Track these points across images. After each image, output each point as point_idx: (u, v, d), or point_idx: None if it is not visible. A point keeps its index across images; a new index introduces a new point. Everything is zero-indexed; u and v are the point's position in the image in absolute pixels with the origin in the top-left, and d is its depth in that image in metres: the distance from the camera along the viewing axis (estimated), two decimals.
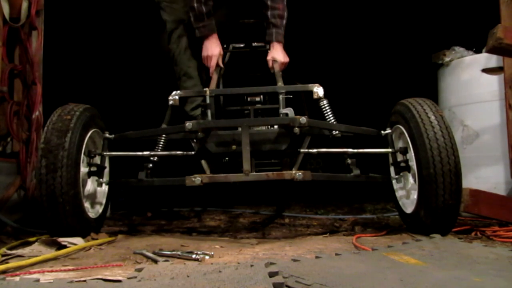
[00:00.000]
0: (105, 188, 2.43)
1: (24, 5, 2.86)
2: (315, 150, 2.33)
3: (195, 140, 2.37)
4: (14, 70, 2.90)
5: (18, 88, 2.97)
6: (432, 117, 2.17)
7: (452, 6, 5.15)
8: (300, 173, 2.05)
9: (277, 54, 2.81)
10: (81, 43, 5.55)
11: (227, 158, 2.41)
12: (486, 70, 3.18)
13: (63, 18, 4.51)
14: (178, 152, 2.40)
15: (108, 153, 2.40)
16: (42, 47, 3.04)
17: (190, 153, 2.38)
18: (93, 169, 2.31)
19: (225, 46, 3.11)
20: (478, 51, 3.31)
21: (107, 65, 5.64)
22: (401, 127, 2.33)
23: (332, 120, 2.48)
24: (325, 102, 2.48)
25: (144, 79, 5.91)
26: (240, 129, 2.16)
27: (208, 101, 2.41)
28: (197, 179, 2.06)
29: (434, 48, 3.58)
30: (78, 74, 5.60)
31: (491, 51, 2.40)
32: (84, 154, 2.21)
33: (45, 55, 3.08)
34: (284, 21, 2.84)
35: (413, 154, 2.21)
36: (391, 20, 5.72)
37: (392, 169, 2.47)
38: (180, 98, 2.47)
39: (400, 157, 2.37)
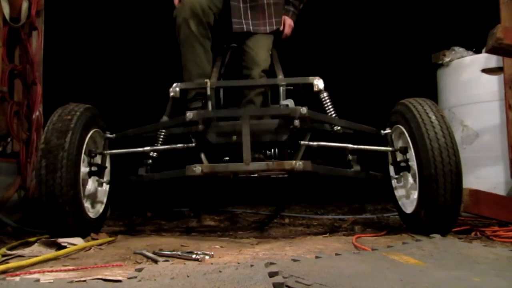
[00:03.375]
0: (105, 188, 2.43)
1: (24, 5, 2.86)
2: (315, 143, 2.32)
3: (195, 136, 2.37)
4: (14, 70, 2.90)
5: (18, 88, 2.97)
6: (433, 117, 2.17)
7: (452, 6, 5.15)
8: (300, 163, 2.04)
9: (288, 19, 3.01)
10: (81, 43, 5.55)
11: (227, 158, 2.41)
12: (486, 71, 3.18)
13: (63, 18, 4.51)
14: (179, 145, 2.39)
15: (108, 151, 2.40)
16: (42, 47, 3.05)
17: (190, 145, 2.38)
18: (94, 169, 2.30)
19: (225, 45, 3.11)
20: (478, 51, 3.31)
21: (107, 65, 5.64)
22: (401, 127, 2.33)
23: (333, 113, 2.47)
24: (325, 94, 2.47)
25: (144, 78, 5.91)
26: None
27: (209, 92, 2.40)
28: (197, 169, 2.05)
29: (434, 48, 3.58)
30: (78, 74, 5.60)
31: (491, 51, 2.40)
32: (84, 154, 2.21)
33: (45, 55, 3.08)
34: (302, 6, 3.08)
35: (413, 154, 2.21)
36: (391, 20, 5.72)
37: (391, 168, 2.46)
38: (181, 90, 2.47)
39: (400, 157, 2.37)
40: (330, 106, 2.47)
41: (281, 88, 2.43)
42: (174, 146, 2.40)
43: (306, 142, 2.32)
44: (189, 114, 2.17)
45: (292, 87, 2.59)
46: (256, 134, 2.21)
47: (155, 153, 2.41)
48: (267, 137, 2.27)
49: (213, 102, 2.39)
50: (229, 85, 2.62)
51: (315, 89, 2.45)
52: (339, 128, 2.44)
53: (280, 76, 2.56)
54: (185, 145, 2.38)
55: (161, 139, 2.46)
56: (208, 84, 2.40)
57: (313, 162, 2.15)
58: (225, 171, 2.13)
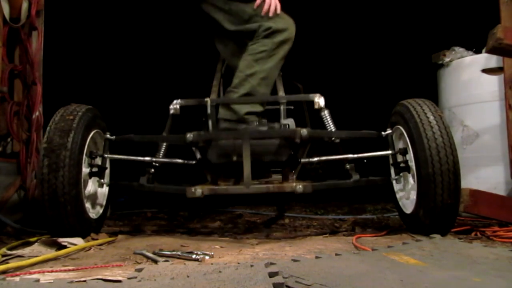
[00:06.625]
0: (105, 188, 2.43)
1: (24, 5, 2.86)
2: (315, 159, 2.33)
3: (197, 149, 2.37)
4: (14, 70, 2.90)
5: (18, 88, 2.98)
6: (431, 117, 2.17)
7: (452, 6, 5.16)
8: (300, 186, 2.08)
9: None
10: (81, 43, 5.55)
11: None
12: (486, 71, 3.18)
13: (63, 18, 4.51)
14: (179, 160, 2.41)
15: (109, 155, 2.40)
16: (42, 47, 3.05)
17: (190, 162, 2.39)
18: (94, 169, 2.31)
19: None
20: (478, 51, 3.31)
21: (107, 65, 5.64)
22: (401, 127, 2.33)
23: (333, 129, 2.47)
24: (326, 112, 2.47)
25: (144, 79, 5.91)
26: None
27: (209, 111, 2.40)
28: (197, 191, 2.07)
29: (434, 48, 3.59)
30: (78, 74, 5.61)
31: (491, 51, 2.40)
32: (85, 154, 2.21)
33: (45, 55, 3.08)
34: None
35: (412, 154, 2.21)
36: (391, 21, 5.73)
37: (392, 169, 2.47)
38: (181, 107, 2.47)
39: (400, 158, 2.37)
40: (330, 123, 2.47)
41: (281, 106, 2.42)
42: (174, 160, 2.42)
43: (306, 160, 2.33)
44: (189, 136, 2.15)
45: (292, 107, 2.59)
46: (257, 154, 2.21)
47: (157, 162, 2.42)
48: (267, 157, 2.28)
49: (213, 120, 2.39)
50: (230, 102, 2.60)
51: (316, 106, 2.45)
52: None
53: (281, 93, 2.55)
54: (186, 161, 2.40)
55: (162, 149, 2.46)
56: (208, 102, 2.39)
57: (313, 170, 2.15)
58: (226, 193, 2.13)
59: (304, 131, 2.12)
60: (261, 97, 2.43)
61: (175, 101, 2.47)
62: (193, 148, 2.41)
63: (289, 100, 2.47)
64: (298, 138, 2.13)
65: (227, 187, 2.11)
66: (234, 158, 2.22)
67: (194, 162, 2.39)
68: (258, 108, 2.40)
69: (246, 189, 2.02)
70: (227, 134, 2.30)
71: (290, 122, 2.34)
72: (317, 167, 2.74)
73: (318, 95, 2.46)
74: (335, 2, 5.46)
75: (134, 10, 5.38)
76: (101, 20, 5.41)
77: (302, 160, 2.32)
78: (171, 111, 2.46)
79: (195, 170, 2.40)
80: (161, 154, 2.45)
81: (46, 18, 3.11)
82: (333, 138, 2.43)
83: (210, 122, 2.39)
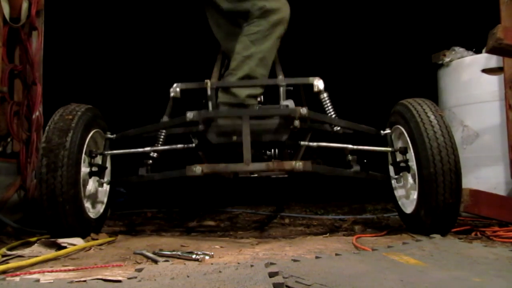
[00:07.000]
0: (106, 188, 2.43)
1: (24, 5, 2.86)
2: (315, 144, 2.33)
3: (195, 136, 2.37)
4: (14, 71, 2.90)
5: (18, 88, 2.97)
6: (432, 117, 2.17)
7: (452, 6, 5.16)
8: (300, 164, 2.05)
9: None
10: (81, 43, 5.55)
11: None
12: (486, 71, 3.18)
13: (63, 18, 4.52)
14: (179, 146, 2.40)
15: (109, 151, 2.40)
16: (42, 47, 3.05)
17: (191, 145, 2.38)
18: (94, 169, 2.31)
19: None
20: (478, 51, 3.31)
21: (107, 65, 5.64)
22: (400, 127, 2.33)
23: (332, 114, 2.47)
24: (325, 95, 2.47)
25: (144, 78, 5.91)
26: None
27: (209, 93, 2.40)
28: (197, 169, 2.05)
29: (434, 48, 3.59)
30: (78, 74, 5.61)
31: (491, 51, 2.40)
32: (85, 154, 2.21)
33: (45, 55, 3.08)
34: None
35: (413, 154, 2.21)
36: (392, 21, 5.73)
37: (391, 169, 2.47)
38: (181, 90, 2.47)
39: (399, 157, 2.37)
40: (330, 107, 2.47)
41: (281, 89, 2.43)
42: (174, 146, 2.40)
43: (306, 143, 2.32)
44: (190, 114, 2.17)
45: (292, 88, 2.59)
46: (256, 134, 2.22)
47: (156, 153, 2.41)
48: (267, 137, 2.28)
49: (213, 102, 2.39)
50: (230, 85, 2.61)
51: (315, 89, 2.45)
52: (339, 128, 2.44)
53: (280, 76, 2.57)
54: (185, 145, 2.39)
55: (161, 139, 2.46)
56: (208, 84, 2.39)
57: (313, 162, 2.15)
58: (225, 171, 2.13)
59: (303, 110, 2.14)
60: (261, 80, 2.42)
61: (175, 84, 2.46)
62: (193, 139, 2.41)
63: (288, 83, 2.47)
64: (297, 116, 2.13)
65: (227, 165, 2.10)
66: (234, 138, 2.22)
67: (193, 145, 2.38)
68: (258, 91, 2.40)
69: (246, 166, 2.01)
70: (227, 112, 2.30)
71: (290, 102, 2.35)
72: (319, 162, 2.74)
73: (317, 78, 2.45)
74: (335, 3, 5.47)
75: (133, 9, 5.38)
76: (101, 19, 5.41)
77: (302, 142, 2.32)
78: (172, 94, 2.44)
79: (194, 160, 2.40)
80: (160, 144, 2.45)
81: (46, 18, 3.11)
82: (334, 127, 2.43)
83: (210, 105, 2.39)
